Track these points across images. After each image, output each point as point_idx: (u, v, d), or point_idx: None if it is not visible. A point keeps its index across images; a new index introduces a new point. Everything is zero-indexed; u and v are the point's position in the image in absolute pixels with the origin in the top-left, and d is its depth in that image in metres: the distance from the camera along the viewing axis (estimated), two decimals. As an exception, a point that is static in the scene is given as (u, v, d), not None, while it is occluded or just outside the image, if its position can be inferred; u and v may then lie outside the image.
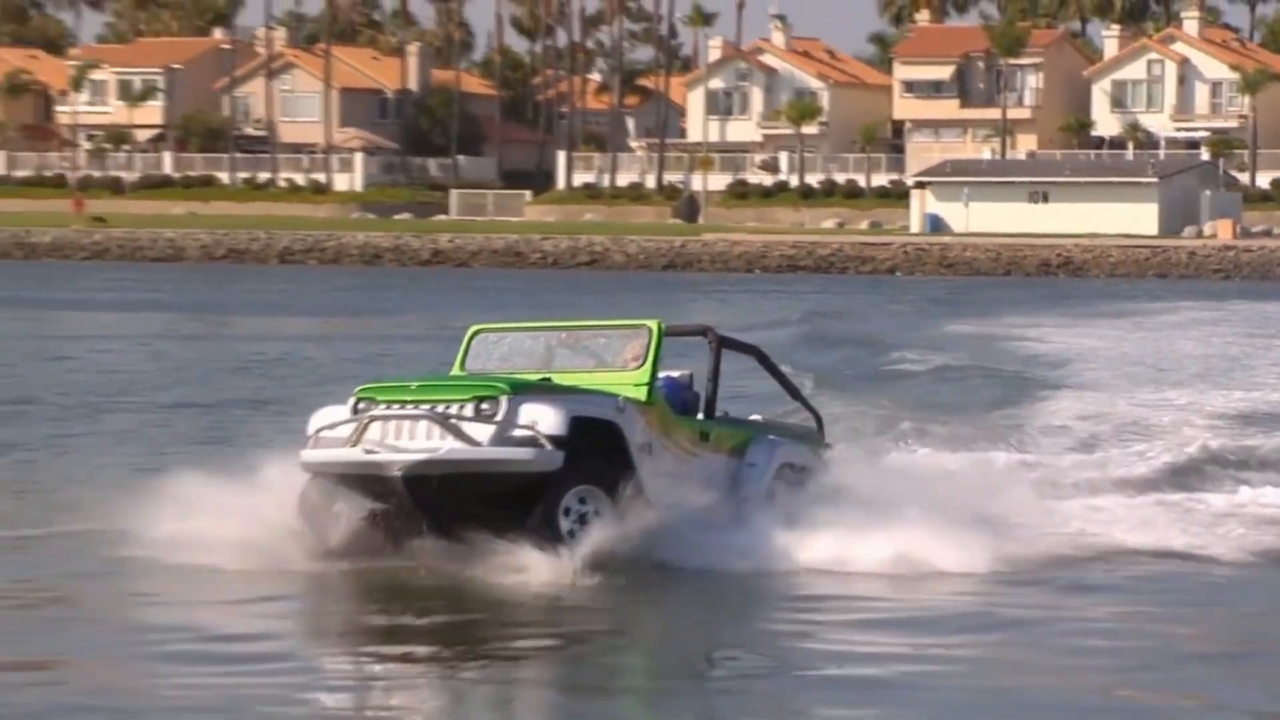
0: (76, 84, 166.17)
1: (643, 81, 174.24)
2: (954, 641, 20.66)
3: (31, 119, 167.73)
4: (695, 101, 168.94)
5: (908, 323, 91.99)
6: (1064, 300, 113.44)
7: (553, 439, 21.24)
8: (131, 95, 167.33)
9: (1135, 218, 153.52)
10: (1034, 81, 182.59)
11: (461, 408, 21.64)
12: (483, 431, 21.40)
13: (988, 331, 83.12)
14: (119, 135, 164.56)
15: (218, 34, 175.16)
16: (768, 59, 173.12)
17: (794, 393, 26.72)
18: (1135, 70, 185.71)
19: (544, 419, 21.33)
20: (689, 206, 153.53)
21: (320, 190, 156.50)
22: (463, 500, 21.82)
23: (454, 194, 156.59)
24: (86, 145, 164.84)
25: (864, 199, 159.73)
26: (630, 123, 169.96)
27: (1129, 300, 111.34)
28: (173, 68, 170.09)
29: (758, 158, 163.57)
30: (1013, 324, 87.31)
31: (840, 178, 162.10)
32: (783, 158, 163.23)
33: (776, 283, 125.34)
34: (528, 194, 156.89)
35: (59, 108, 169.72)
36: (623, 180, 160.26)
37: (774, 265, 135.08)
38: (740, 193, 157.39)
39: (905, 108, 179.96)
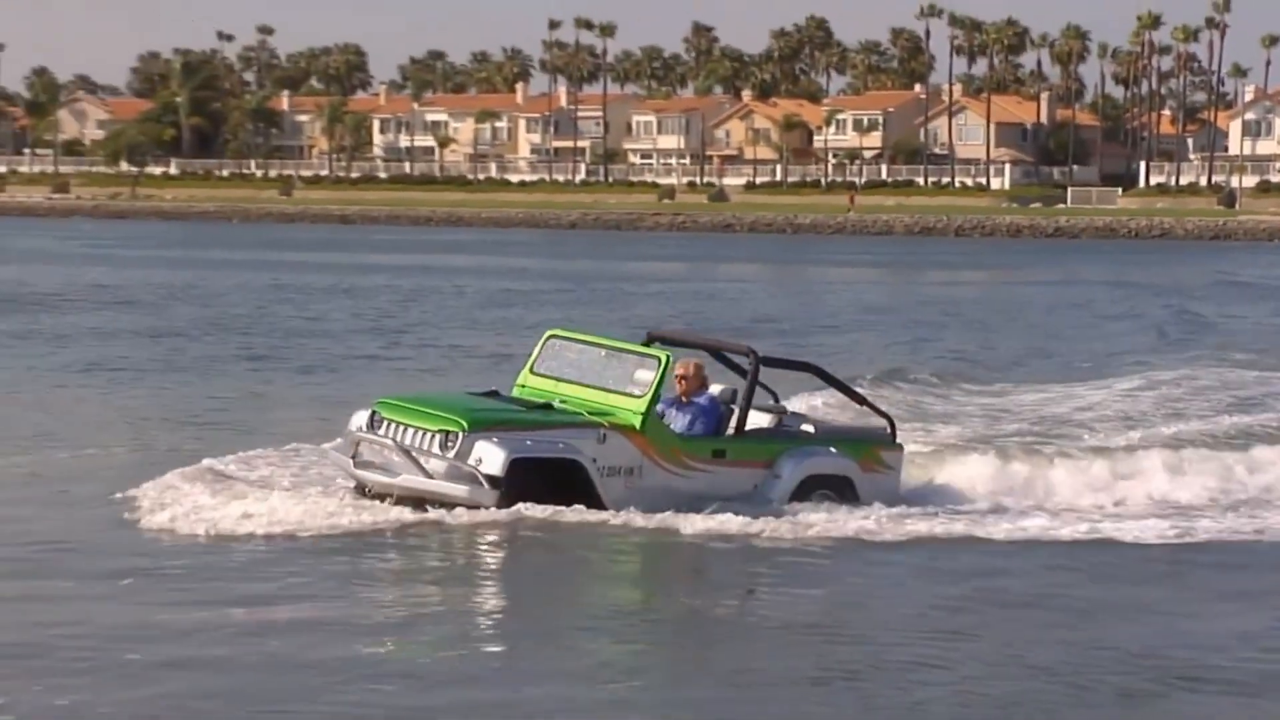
0: (827, 121, 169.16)
1: (1199, 115, 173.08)
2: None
3: (799, 145, 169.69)
4: (1235, 128, 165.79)
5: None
6: None
7: (490, 479, 17.05)
8: (862, 128, 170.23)
9: None
10: None
11: (431, 438, 17.44)
12: (439, 464, 17.30)
13: None
14: (853, 154, 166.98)
15: (917, 88, 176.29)
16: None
17: (859, 399, 20.33)
18: None
19: (487, 459, 17.08)
20: (1229, 198, 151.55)
21: (982, 189, 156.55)
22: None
23: (1070, 190, 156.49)
24: (833, 161, 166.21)
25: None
26: (1189, 142, 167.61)
27: None
28: (888, 110, 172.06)
29: (1278, 164, 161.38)
30: None
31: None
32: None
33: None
34: (1119, 190, 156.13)
35: (816, 137, 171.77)
36: (1184, 181, 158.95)
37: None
38: (1265, 188, 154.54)
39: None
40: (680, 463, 17.93)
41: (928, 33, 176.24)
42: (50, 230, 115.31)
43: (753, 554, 17.26)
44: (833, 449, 18.82)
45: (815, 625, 14.93)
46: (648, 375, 17.92)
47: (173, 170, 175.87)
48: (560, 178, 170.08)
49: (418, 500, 17.70)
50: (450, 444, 17.25)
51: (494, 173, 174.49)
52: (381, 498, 17.89)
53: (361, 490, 18.28)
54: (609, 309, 53.66)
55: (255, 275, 66.07)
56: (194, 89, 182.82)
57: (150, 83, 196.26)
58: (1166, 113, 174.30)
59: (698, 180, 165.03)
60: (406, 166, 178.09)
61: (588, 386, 18.24)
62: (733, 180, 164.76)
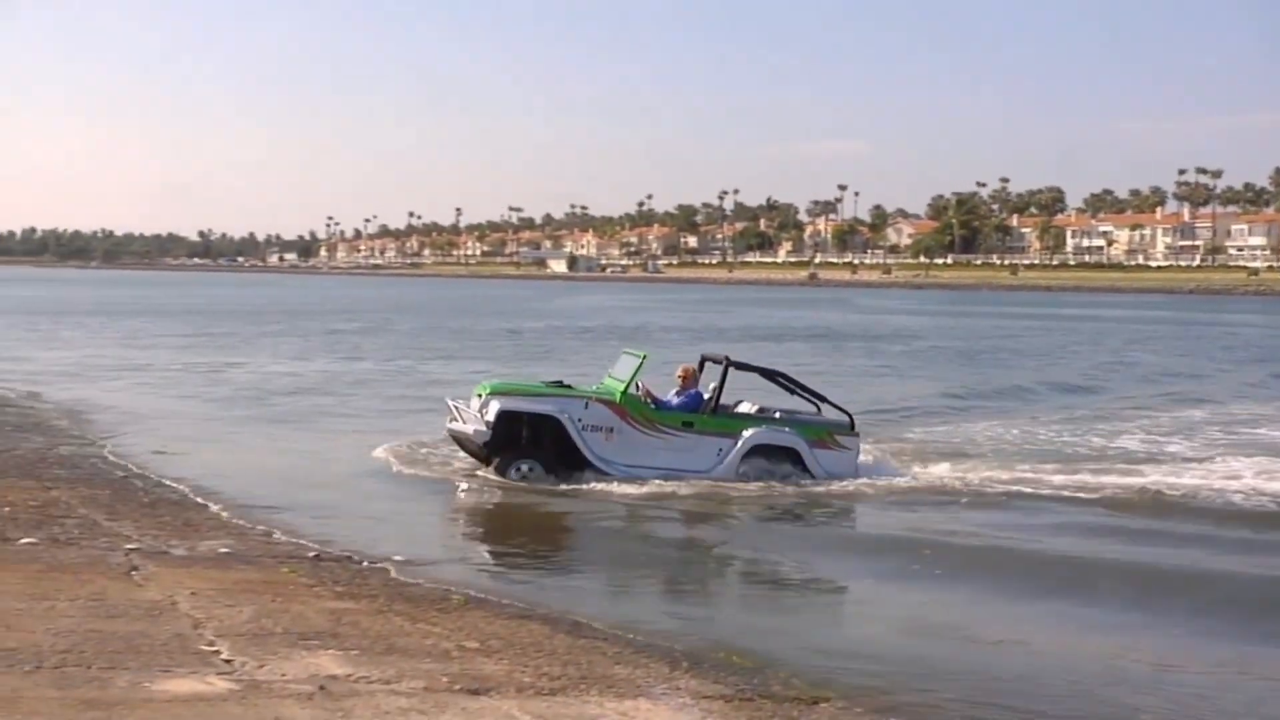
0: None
1: None
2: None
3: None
4: None
5: None
6: None
7: (487, 424, 14.43)
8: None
9: None
10: None
11: (481, 401, 14.76)
12: (473, 416, 14.73)
13: None
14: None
15: None
16: None
17: (820, 398, 15.67)
18: None
19: (490, 410, 14.54)
20: None
21: None
22: (469, 449, 15.03)
23: None
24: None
25: None
26: None
27: None
28: None
29: None
30: None
31: None
32: None
33: None
34: None
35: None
36: None
37: None
38: None
39: None
40: (654, 428, 14.80)
41: None
42: (874, 295, 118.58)
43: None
44: (786, 429, 15.08)
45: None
46: (630, 366, 15.10)
47: (949, 261, 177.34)
48: (1183, 263, 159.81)
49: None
50: (483, 404, 14.79)
51: (1140, 260, 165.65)
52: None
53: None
54: (1201, 342, 48.82)
55: (999, 321, 65.56)
56: (962, 214, 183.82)
57: (938, 211, 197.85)
58: None
59: (1275, 265, 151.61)
60: (1086, 257, 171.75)
61: (617, 379, 15.19)
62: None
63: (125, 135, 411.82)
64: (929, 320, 65.30)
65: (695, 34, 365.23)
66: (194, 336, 41.42)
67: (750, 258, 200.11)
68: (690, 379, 15.53)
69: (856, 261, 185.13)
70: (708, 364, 15.90)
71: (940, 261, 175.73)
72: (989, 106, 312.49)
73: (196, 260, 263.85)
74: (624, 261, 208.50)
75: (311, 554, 9.97)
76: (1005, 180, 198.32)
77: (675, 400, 15.32)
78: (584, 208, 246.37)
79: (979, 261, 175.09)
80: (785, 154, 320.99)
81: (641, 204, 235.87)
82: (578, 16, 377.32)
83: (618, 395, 14.87)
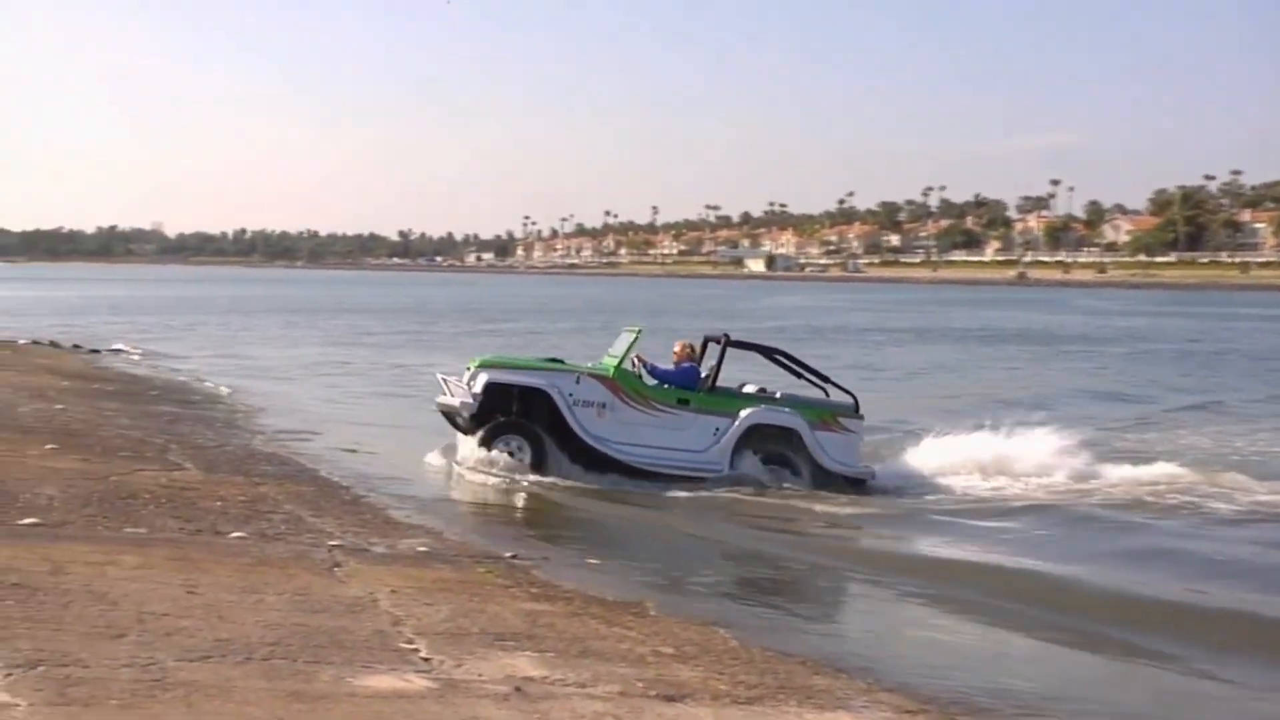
0: None
1: None
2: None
3: None
4: None
5: None
6: None
7: (475, 395, 14.22)
8: None
9: None
10: None
11: (470, 374, 14.62)
12: (460, 389, 14.56)
13: None
14: None
15: None
16: None
17: (824, 379, 15.07)
18: None
19: (478, 383, 14.32)
20: None
21: None
22: (458, 425, 14.77)
23: None
24: None
25: None
26: None
27: None
28: None
29: None
30: None
31: None
32: None
33: None
34: None
35: None
36: None
37: None
38: None
39: None
40: (648, 404, 14.39)
41: None
42: (1088, 295, 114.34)
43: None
44: (786, 409, 14.55)
45: None
46: (625, 341, 14.88)
47: (1172, 259, 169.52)
48: None
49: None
50: (470, 375, 14.65)
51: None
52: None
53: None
54: None
55: (1228, 323, 62.20)
56: (1187, 210, 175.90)
57: (1160, 206, 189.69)
58: None
59: None
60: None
61: (613, 356, 14.82)
62: None
63: (334, 138, 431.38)
64: (1145, 321, 63.21)
65: (896, 30, 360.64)
66: (393, 334, 42.72)
67: (955, 256, 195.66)
68: (683, 354, 15.11)
69: (1069, 260, 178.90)
70: (710, 345, 15.39)
71: (1162, 260, 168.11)
72: (1217, 92, 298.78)
73: (396, 260, 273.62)
74: (823, 261, 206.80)
75: (508, 554, 10.12)
76: (1237, 172, 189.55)
77: (670, 370, 14.90)
78: (783, 205, 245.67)
79: (1205, 260, 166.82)
80: (994, 148, 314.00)
81: (842, 201, 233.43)
82: (776, 13, 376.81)
83: (610, 371, 14.53)
